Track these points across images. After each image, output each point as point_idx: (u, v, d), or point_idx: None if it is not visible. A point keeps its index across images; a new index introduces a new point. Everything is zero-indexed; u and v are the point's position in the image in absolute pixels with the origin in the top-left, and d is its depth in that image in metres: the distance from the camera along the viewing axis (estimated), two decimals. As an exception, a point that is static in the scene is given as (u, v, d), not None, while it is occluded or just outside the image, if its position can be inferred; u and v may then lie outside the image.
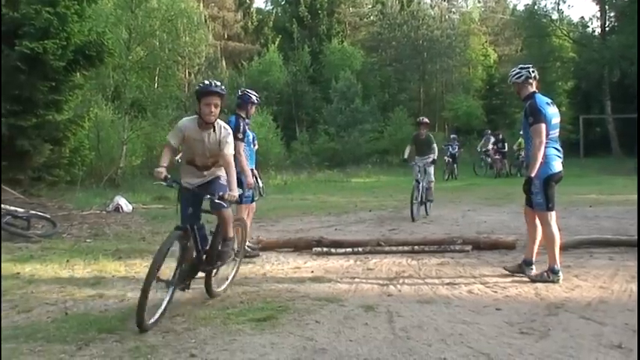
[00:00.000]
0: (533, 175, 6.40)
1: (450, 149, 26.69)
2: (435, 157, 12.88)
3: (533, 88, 6.61)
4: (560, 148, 6.62)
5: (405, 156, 13.26)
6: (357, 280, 6.87)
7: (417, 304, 5.72)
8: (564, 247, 8.31)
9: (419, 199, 12.48)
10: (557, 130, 6.59)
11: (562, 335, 4.72)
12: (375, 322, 5.18)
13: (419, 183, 12.54)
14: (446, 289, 6.31)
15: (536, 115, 6.36)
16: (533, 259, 6.79)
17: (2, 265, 7.69)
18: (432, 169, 13.01)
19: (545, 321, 5.09)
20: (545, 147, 6.37)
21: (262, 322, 5.17)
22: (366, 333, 4.88)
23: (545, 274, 6.47)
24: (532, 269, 6.73)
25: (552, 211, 6.52)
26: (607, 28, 39.76)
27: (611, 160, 30.53)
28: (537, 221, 6.67)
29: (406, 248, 8.54)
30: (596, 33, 41.25)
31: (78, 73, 15.67)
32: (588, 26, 43.76)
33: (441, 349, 4.46)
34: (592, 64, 37.46)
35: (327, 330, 4.98)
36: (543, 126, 6.32)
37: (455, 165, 26.99)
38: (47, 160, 14.57)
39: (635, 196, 15.16)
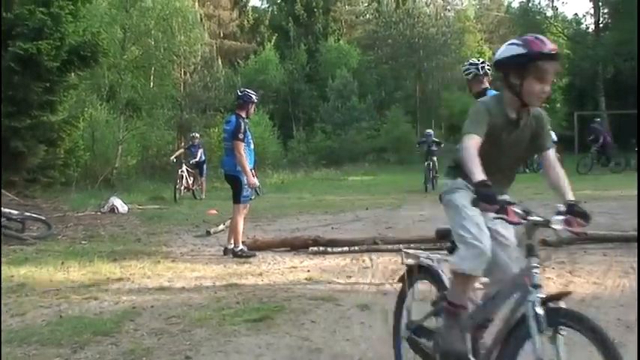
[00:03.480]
0: None
1: (427, 147, 19.62)
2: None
3: (485, 85, 6.44)
4: None
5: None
6: (353, 279, 6.87)
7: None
8: (558, 244, 8.35)
9: None
10: None
11: (556, 332, 4.71)
12: (370, 321, 5.17)
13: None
14: (442, 287, 6.30)
15: None
16: None
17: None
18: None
19: (539, 318, 5.08)
20: None
21: (258, 323, 5.15)
22: (361, 332, 4.88)
23: None
24: None
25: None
26: (601, 25, 39.82)
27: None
28: None
29: (402, 246, 8.53)
30: (590, 30, 41.32)
31: (72, 74, 15.64)
32: (582, 23, 43.81)
33: (437, 348, 4.46)
34: (586, 60, 37.53)
35: (322, 330, 4.98)
36: None
37: (433, 170, 18.98)
38: (42, 161, 14.55)
39: (630, 192, 15.23)
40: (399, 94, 42.45)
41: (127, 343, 4.75)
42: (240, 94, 8.91)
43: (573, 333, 2.74)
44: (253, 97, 8.75)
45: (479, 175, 2.91)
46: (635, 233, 8.66)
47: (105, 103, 26.15)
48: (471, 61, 6.85)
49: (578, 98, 40.49)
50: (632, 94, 34.62)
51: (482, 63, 6.56)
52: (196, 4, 33.92)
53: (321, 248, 8.66)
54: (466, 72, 6.55)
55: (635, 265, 6.87)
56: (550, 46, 3.05)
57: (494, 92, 6.38)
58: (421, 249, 8.29)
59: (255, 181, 8.59)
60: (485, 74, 6.46)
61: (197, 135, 20.55)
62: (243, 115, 8.64)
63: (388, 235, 9.59)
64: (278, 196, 18.68)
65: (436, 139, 20.08)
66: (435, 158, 19.32)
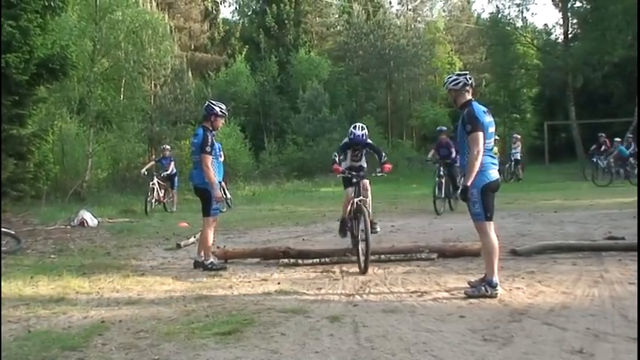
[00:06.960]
0: (469, 183, 6.20)
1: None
2: None
3: (469, 96, 6.45)
4: (494, 156, 6.46)
5: None
6: (323, 290, 6.87)
7: (383, 314, 5.73)
8: (528, 253, 8.44)
9: None
10: (492, 139, 6.41)
11: (525, 341, 4.76)
12: (340, 332, 5.18)
13: None
14: (411, 297, 6.33)
15: (474, 124, 6.19)
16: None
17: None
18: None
19: (508, 327, 5.13)
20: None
21: (227, 336, 5.15)
22: (331, 344, 4.88)
23: (483, 287, 6.24)
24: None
25: (491, 220, 6.33)
26: (570, 35, 40.30)
27: (576, 165, 30.88)
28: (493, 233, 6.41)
29: (373, 257, 8.55)
30: (560, 40, 41.79)
31: (42, 87, 15.54)
32: (552, 33, 44.32)
33: (405, 359, 4.48)
34: (556, 70, 38.03)
35: (292, 342, 4.97)
36: (481, 134, 6.15)
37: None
38: (11, 174, 14.41)
39: (600, 201, 15.44)
40: (370, 105, 42.52)
41: (95, 357, 4.72)
42: (205, 105, 8.90)
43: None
44: (216, 109, 8.62)
45: None
46: (605, 242, 8.81)
47: (75, 116, 25.91)
48: (457, 72, 6.88)
49: (548, 108, 41.06)
50: (601, 103, 35.27)
51: (468, 74, 6.54)
52: (166, 16, 33.77)
53: (292, 260, 8.67)
54: (454, 82, 6.45)
55: (605, 275, 6.97)
56: None
57: (477, 104, 6.41)
58: (392, 260, 8.42)
59: (220, 194, 8.61)
60: (472, 85, 6.47)
61: (168, 147, 20.42)
62: (209, 127, 8.62)
63: (359, 246, 9.61)
64: (249, 208, 18.67)
65: (370, 141, 10.45)
66: (366, 181, 10.02)
